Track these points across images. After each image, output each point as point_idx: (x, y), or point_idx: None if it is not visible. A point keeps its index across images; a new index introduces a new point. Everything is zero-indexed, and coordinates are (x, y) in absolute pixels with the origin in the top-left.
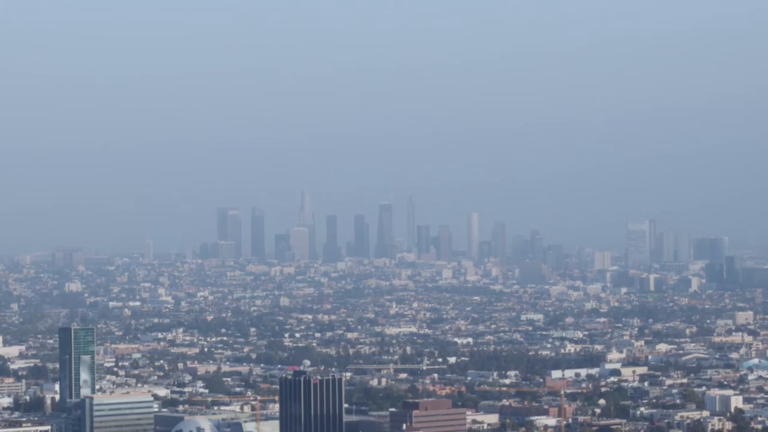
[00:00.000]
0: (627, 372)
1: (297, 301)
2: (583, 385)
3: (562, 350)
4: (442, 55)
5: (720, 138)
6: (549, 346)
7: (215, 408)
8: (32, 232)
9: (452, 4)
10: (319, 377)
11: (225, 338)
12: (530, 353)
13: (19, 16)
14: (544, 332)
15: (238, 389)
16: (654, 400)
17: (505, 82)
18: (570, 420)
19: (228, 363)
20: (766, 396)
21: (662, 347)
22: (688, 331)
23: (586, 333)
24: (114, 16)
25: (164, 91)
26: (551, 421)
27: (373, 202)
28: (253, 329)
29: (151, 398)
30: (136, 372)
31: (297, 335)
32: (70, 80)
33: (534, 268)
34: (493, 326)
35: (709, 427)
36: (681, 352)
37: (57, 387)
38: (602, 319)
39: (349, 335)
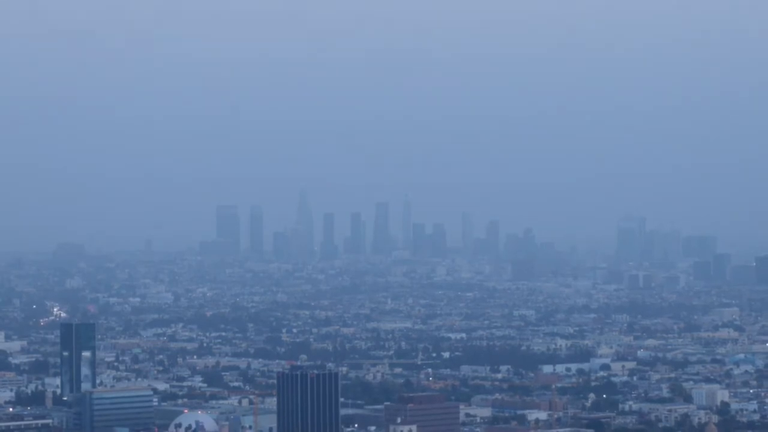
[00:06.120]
0: (616, 367)
1: (294, 297)
2: (574, 379)
3: (554, 345)
4: (441, 53)
5: (713, 137)
6: (540, 341)
7: (214, 402)
8: (34, 230)
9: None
10: (315, 372)
11: (224, 334)
12: (522, 348)
13: None
14: (535, 328)
15: (236, 383)
16: (642, 394)
17: (501, 81)
18: (561, 413)
19: (226, 358)
20: (751, 390)
21: (651, 343)
22: (676, 327)
23: (577, 329)
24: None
25: (163, 90)
26: (542, 415)
27: (370, 201)
28: (251, 325)
29: (151, 392)
30: (136, 366)
31: (294, 331)
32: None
33: (526, 265)
34: (486, 322)
35: (696, 420)
36: (669, 347)
37: (58, 381)
38: (592, 315)
39: (345, 331)
